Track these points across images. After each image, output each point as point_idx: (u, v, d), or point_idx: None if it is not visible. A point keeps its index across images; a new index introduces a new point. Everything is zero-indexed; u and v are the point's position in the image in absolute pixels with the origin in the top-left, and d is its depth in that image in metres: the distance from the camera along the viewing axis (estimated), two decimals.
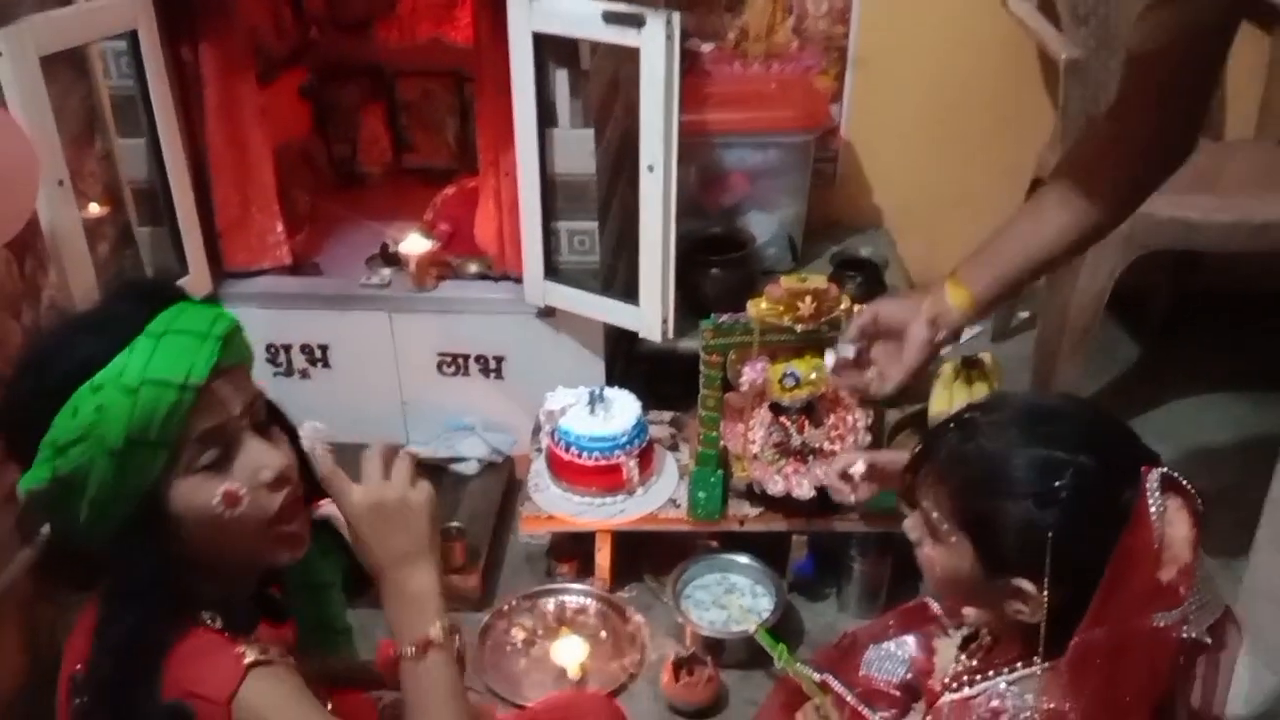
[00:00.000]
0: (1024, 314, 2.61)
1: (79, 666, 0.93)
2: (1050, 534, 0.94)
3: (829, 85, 2.56)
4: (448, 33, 2.44)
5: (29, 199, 1.54)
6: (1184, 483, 0.94)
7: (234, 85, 2.04)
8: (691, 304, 2.17)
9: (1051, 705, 0.99)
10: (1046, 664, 1.02)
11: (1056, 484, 0.95)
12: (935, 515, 1.05)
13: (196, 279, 2.04)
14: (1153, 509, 0.92)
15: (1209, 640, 0.95)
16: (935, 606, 1.47)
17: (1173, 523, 0.92)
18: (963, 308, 1.37)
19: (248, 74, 2.07)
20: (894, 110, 2.58)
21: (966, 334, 2.60)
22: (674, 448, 2.00)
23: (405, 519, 0.97)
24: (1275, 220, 1.99)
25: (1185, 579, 0.92)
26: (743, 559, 1.87)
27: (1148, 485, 0.92)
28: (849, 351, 1.46)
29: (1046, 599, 0.97)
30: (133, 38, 1.86)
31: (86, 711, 0.90)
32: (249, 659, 0.89)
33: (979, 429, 1.03)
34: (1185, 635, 0.93)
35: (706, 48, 2.53)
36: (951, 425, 1.07)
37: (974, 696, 1.08)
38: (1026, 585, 0.98)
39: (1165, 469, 0.95)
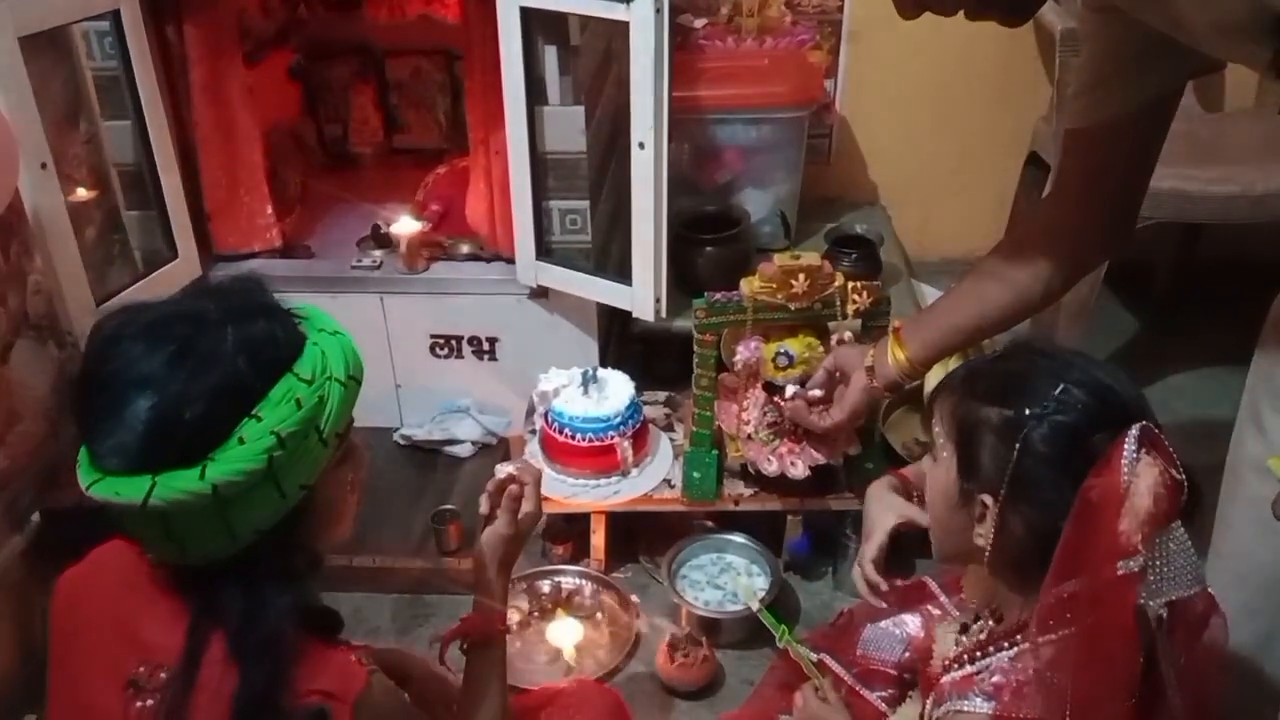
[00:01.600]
0: None
1: (140, 669, 0.93)
2: (1017, 445, 0.98)
3: (823, 60, 2.53)
4: (437, 9, 2.42)
5: (8, 182, 1.52)
6: (1169, 448, 0.94)
7: (220, 66, 2.02)
8: (685, 282, 2.15)
9: (1018, 678, 1.00)
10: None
11: (1042, 403, 0.98)
12: (935, 431, 1.10)
13: (185, 262, 2.03)
14: (1125, 456, 0.92)
15: (1162, 614, 0.94)
16: (933, 585, 1.46)
17: (1141, 476, 0.92)
18: (900, 365, 1.45)
19: (234, 54, 2.05)
20: (889, 85, 2.55)
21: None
22: (669, 428, 1.99)
23: (518, 548, 1.25)
24: (1276, 191, 1.98)
25: (1143, 533, 0.90)
26: (738, 538, 1.86)
27: (1129, 433, 0.93)
28: (817, 393, 1.62)
29: (996, 522, 1.01)
30: (115, 17, 1.83)
31: (170, 711, 0.91)
32: (369, 665, 0.97)
33: (1000, 354, 1.12)
34: (1142, 600, 0.92)
35: (699, 23, 2.50)
36: (974, 358, 1.20)
37: (976, 673, 1.08)
38: (986, 498, 1.02)
39: (1156, 430, 0.94)
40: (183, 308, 0.95)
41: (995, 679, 1.05)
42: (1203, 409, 2.25)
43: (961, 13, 1.06)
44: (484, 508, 1.23)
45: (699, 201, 2.36)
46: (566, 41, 1.82)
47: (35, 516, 1.74)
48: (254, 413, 0.90)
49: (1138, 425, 0.94)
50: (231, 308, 0.94)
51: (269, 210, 2.13)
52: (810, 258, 1.68)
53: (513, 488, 1.22)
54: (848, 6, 2.48)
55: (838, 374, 1.58)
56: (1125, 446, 0.92)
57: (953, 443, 1.07)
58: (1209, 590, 1.03)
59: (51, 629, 1.02)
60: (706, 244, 2.22)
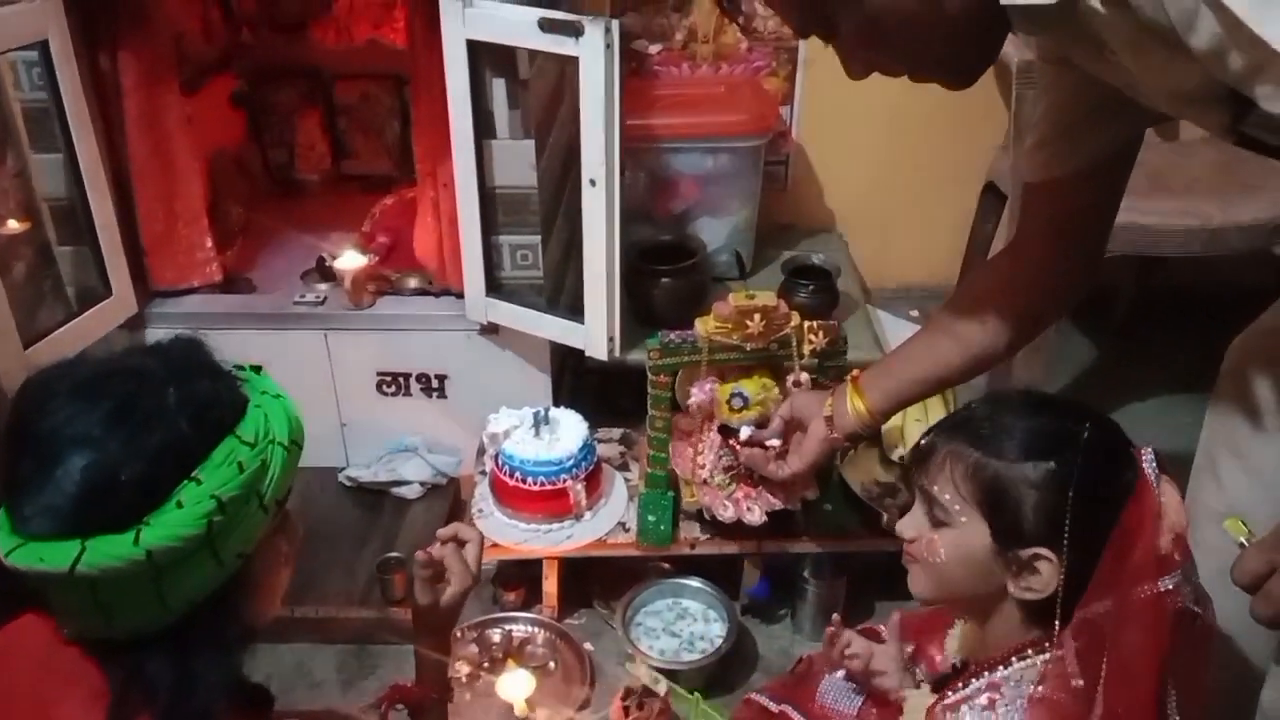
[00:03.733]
0: None
1: None
2: (1071, 494, 1.00)
3: (779, 87, 2.51)
4: (386, 34, 2.35)
5: None
6: (1170, 472, 1.01)
7: (156, 94, 1.94)
8: (641, 314, 2.11)
9: (1042, 692, 1.03)
10: (1047, 655, 1.06)
11: (1074, 449, 1.01)
12: (946, 498, 1.08)
13: (121, 300, 1.95)
14: (1152, 480, 0.98)
15: (1197, 609, 1.00)
16: (885, 632, 1.43)
17: (1166, 493, 0.98)
18: (859, 416, 1.42)
19: (171, 82, 1.97)
20: (845, 112, 2.53)
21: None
22: (623, 467, 1.94)
23: (449, 619, 1.21)
24: (1233, 223, 1.97)
25: (1180, 546, 0.98)
26: (694, 583, 1.81)
27: (1145, 460, 1.00)
28: (774, 442, 1.57)
29: (1063, 567, 1.02)
30: (44, 47, 1.75)
31: None
32: None
33: (993, 410, 1.11)
34: (1184, 603, 0.98)
35: (654, 49, 2.46)
36: (960, 415, 1.16)
37: (970, 696, 1.11)
38: (1045, 553, 1.03)
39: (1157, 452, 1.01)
40: (122, 364, 0.91)
41: (988, 694, 1.09)
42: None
43: (906, 75, 1.03)
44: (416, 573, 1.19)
45: (654, 231, 2.32)
46: (515, 75, 1.77)
47: None
48: (194, 475, 0.85)
49: (1149, 449, 1.01)
50: (173, 366, 0.91)
51: (209, 243, 2.05)
52: (766, 297, 1.64)
53: (435, 554, 1.18)
54: None
55: (794, 421, 1.54)
56: (1148, 471, 0.99)
57: (977, 506, 1.06)
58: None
59: None
60: (662, 275, 2.17)
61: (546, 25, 1.64)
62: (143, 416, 0.85)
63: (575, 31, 1.61)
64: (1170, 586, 0.96)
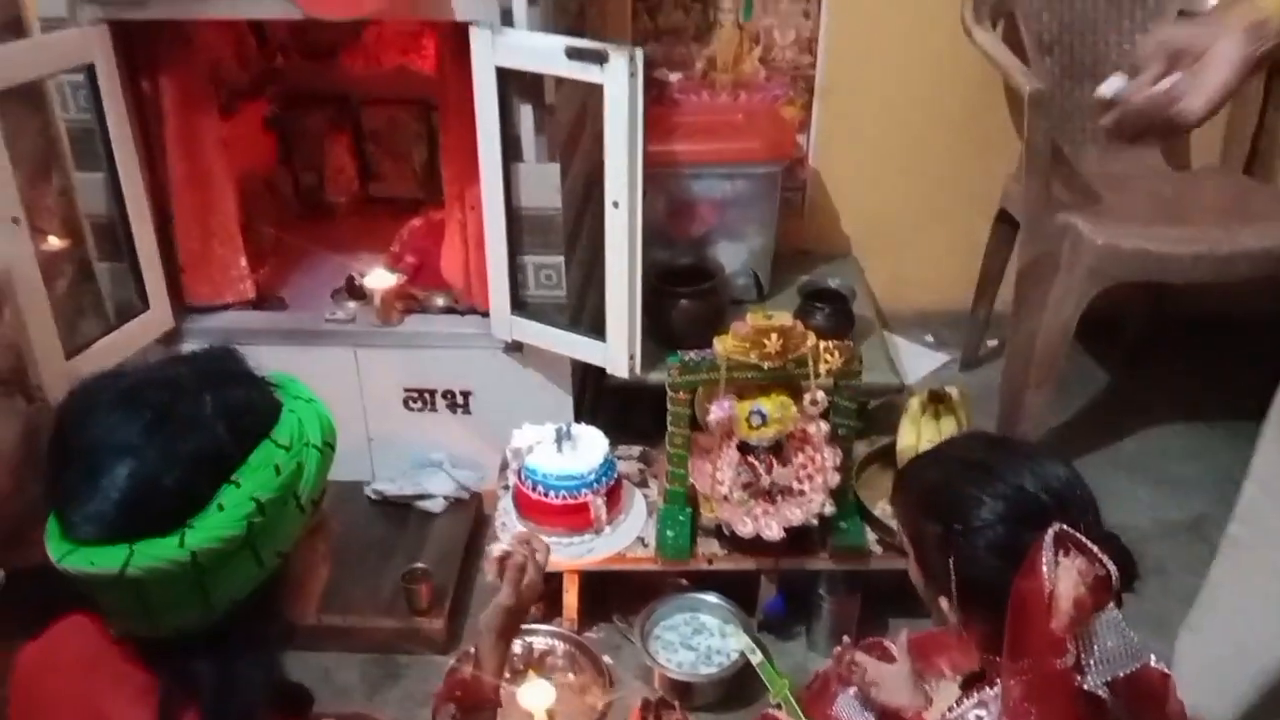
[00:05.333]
0: (992, 342, 2.62)
1: None
2: (951, 560, 1.10)
3: (796, 114, 2.57)
4: (414, 61, 2.42)
5: None
6: (1092, 548, 1.00)
7: (195, 118, 2.01)
8: (661, 334, 2.16)
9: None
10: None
11: (968, 519, 1.09)
12: (896, 527, 1.25)
13: (158, 315, 2.01)
14: (1045, 562, 1.00)
15: (1104, 695, 1.00)
16: (893, 648, 1.47)
17: (1061, 579, 0.99)
18: None
19: (209, 106, 2.04)
20: (861, 139, 2.59)
21: (931, 364, 2.60)
22: (643, 483, 1.98)
23: (519, 620, 1.28)
24: (1242, 250, 2.00)
25: (1071, 631, 0.99)
26: (711, 598, 1.85)
27: (1044, 539, 1.01)
28: (1118, 84, 1.19)
29: (958, 615, 1.13)
30: (90, 71, 1.82)
31: None
32: None
33: (931, 460, 1.23)
34: (1084, 685, 1.00)
35: (674, 77, 2.53)
36: (920, 455, 1.30)
37: (963, 713, 1.15)
38: (943, 601, 1.14)
39: (1070, 530, 1.02)
40: (159, 374, 0.95)
41: (975, 712, 1.13)
42: (1173, 466, 2.28)
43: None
44: (489, 575, 1.25)
45: (674, 254, 2.38)
46: (542, 100, 1.83)
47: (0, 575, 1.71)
48: (233, 479, 0.89)
49: (1053, 529, 1.02)
50: (208, 374, 0.95)
51: (242, 262, 2.11)
52: (783, 317, 1.69)
53: (516, 558, 1.23)
54: (820, 63, 2.52)
55: (1177, 53, 1.13)
56: (1044, 553, 1.00)
57: (910, 543, 1.22)
58: (1157, 664, 1.15)
59: (11, 711, 1.00)
60: (681, 297, 2.23)
61: (573, 53, 1.69)
62: (181, 424, 0.89)
63: (601, 59, 1.67)
64: (1064, 665, 0.99)
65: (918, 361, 2.58)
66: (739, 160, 2.35)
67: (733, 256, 2.42)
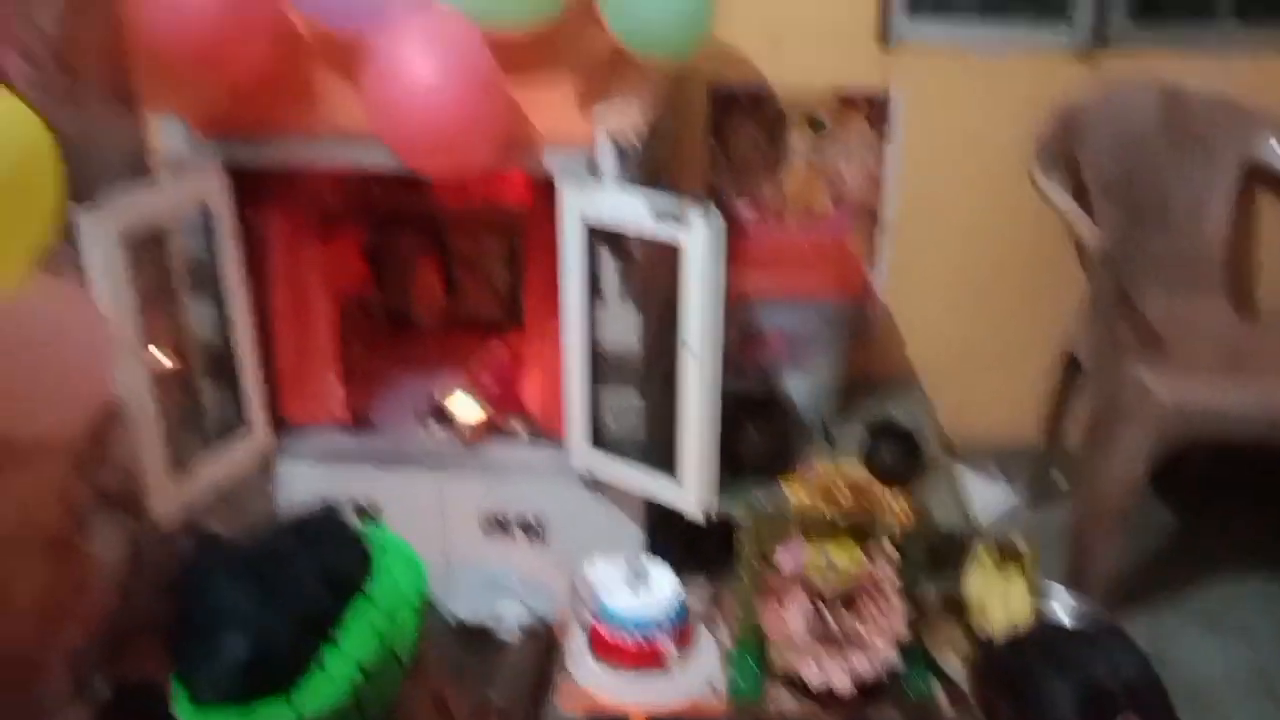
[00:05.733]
0: (1060, 483, 2.63)
1: None
2: None
3: (865, 248, 2.65)
4: (501, 195, 2.55)
5: (106, 383, 1.62)
6: None
7: (298, 247, 2.15)
8: (728, 463, 2.21)
9: None
10: None
11: (1042, 707, 1.19)
12: (968, 690, 1.40)
13: (257, 435, 2.12)
14: None
15: None
16: None
17: None
18: None
19: (310, 236, 2.18)
20: (928, 273, 2.65)
21: (1000, 504, 2.61)
22: (712, 620, 2.02)
23: None
24: None
25: None
26: None
27: None
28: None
29: None
30: (206, 210, 1.97)
31: None
32: None
33: (1009, 647, 1.38)
34: None
35: (745, 210, 2.63)
36: (998, 641, 1.42)
37: None
38: None
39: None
40: (268, 544, 1.04)
41: None
42: (1244, 613, 2.25)
43: None
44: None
45: (742, 382, 2.44)
46: (625, 249, 1.93)
47: (103, 689, 1.80)
48: (334, 639, 0.97)
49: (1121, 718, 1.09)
50: (309, 538, 1.04)
51: (336, 383, 2.23)
52: (854, 473, 1.74)
53: None
54: (889, 199, 2.60)
55: None
56: None
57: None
58: None
59: None
60: (751, 426, 2.29)
61: (657, 213, 1.80)
62: (286, 592, 0.98)
63: (682, 219, 1.77)
64: None
65: (986, 500, 2.60)
66: (808, 293, 2.43)
67: (801, 386, 2.48)
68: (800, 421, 2.46)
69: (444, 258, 2.73)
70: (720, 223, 1.76)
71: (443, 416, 2.24)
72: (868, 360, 2.70)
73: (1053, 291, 2.56)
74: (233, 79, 1.86)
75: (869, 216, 2.63)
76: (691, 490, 1.94)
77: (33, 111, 1.29)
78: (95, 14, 1.79)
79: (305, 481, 2.17)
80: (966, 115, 2.52)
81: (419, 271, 2.70)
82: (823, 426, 2.46)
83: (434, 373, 2.44)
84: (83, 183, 1.67)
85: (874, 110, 2.51)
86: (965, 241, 2.63)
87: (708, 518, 2.07)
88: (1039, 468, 2.59)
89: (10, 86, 1.57)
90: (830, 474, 1.71)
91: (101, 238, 1.71)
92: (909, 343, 2.75)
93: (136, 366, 1.86)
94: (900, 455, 2.27)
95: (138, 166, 1.96)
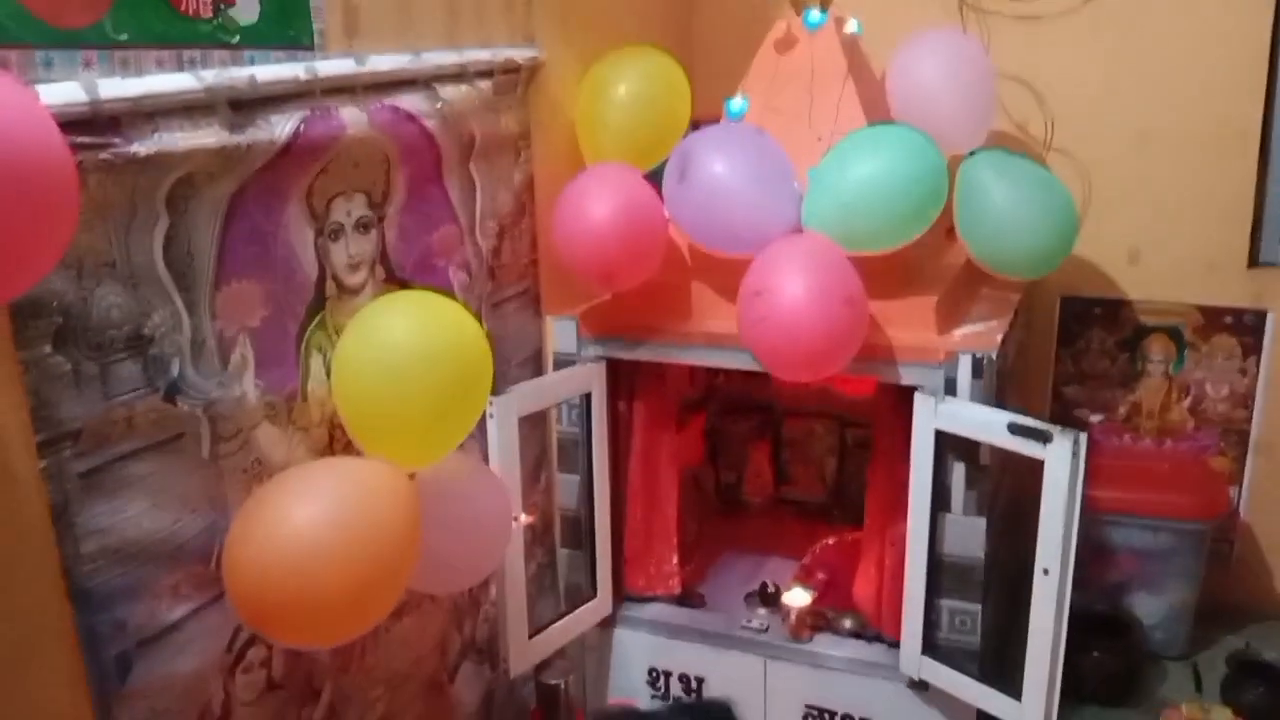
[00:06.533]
0: None
1: None
2: None
3: (1227, 466, 2.49)
4: (839, 385, 2.66)
5: (503, 549, 1.84)
6: None
7: (656, 432, 2.34)
8: (1068, 683, 2.11)
9: None
10: None
11: None
12: None
13: (601, 601, 2.29)
14: None
15: None
16: None
17: None
18: None
19: (669, 422, 2.37)
20: None
21: None
22: None
23: None
24: None
25: None
26: None
27: None
28: None
29: None
30: (586, 396, 2.22)
31: None
32: None
33: None
34: None
35: (1095, 419, 2.56)
36: None
37: None
38: None
39: None
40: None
41: None
42: None
43: None
44: None
45: (1088, 600, 2.33)
46: (976, 461, 1.95)
47: None
48: None
49: None
50: None
51: (674, 558, 2.37)
52: (1221, 715, 1.62)
53: None
54: (1256, 418, 2.45)
55: None
56: None
57: None
58: None
59: None
60: (1095, 648, 2.18)
61: (1016, 429, 1.81)
62: None
63: (1044, 438, 1.77)
64: None
65: None
66: (1165, 514, 2.31)
67: (1151, 608, 2.34)
68: (1149, 647, 2.31)
69: (776, 443, 2.86)
70: (1084, 444, 1.75)
71: (770, 600, 2.31)
72: (1228, 586, 2.50)
73: None
74: (621, 290, 2.11)
75: (1235, 435, 2.48)
76: (1032, 710, 1.87)
77: (472, 315, 1.57)
78: (520, 234, 2.13)
79: (638, 649, 2.30)
80: None
81: (752, 454, 2.84)
82: (1193, 672, 2.29)
83: (763, 555, 2.53)
84: (498, 373, 1.97)
85: (1242, 327, 2.41)
86: None
87: None
88: None
89: (451, 294, 1.91)
90: (1197, 717, 1.60)
91: (507, 421, 1.97)
92: (1275, 570, 2.52)
93: (516, 532, 2.09)
94: (1269, 698, 2.07)
95: (535, 361, 2.26)
